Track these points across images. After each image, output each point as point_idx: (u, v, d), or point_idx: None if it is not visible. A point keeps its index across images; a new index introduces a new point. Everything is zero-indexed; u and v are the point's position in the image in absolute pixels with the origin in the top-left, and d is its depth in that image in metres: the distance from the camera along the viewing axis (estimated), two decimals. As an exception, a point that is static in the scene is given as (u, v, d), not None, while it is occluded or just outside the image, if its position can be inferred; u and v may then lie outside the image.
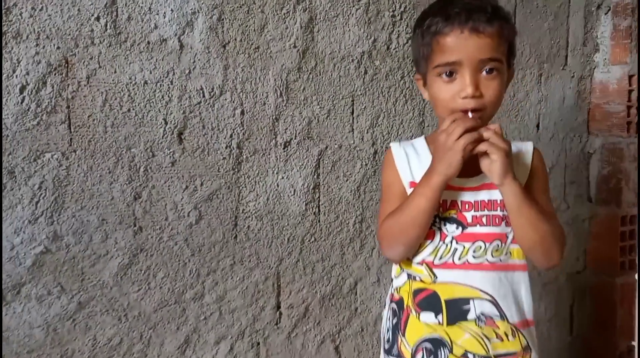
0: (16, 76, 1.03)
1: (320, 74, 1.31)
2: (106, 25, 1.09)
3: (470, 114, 0.83)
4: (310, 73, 1.30)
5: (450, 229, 0.87)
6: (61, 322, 1.11)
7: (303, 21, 1.27)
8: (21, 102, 1.04)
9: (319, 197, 1.34)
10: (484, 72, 0.83)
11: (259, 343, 1.31)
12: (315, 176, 1.33)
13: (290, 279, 1.33)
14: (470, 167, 0.85)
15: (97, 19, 1.08)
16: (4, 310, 1.06)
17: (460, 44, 0.82)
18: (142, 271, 1.17)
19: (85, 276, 1.12)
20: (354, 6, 1.32)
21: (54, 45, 1.05)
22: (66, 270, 1.11)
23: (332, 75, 1.32)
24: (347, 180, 1.37)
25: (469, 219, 0.87)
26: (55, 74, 1.06)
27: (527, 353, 0.87)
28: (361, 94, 1.36)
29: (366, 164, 1.38)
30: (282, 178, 1.29)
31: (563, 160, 1.70)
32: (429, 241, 0.88)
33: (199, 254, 1.22)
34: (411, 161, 0.92)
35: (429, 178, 0.83)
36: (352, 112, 1.36)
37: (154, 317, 1.19)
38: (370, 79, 1.36)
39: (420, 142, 0.95)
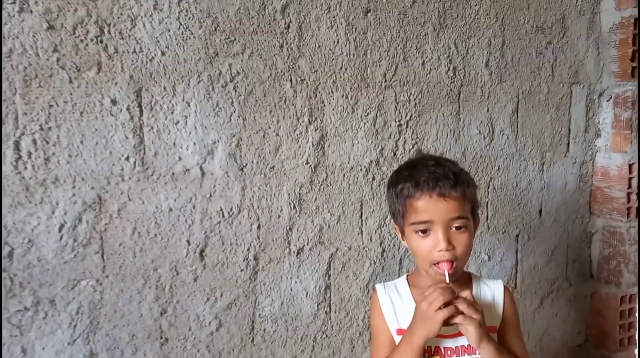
0: (55, 217, 1.14)
1: (330, 185, 1.40)
2: (135, 163, 1.20)
3: (446, 271, 0.93)
4: (321, 184, 1.39)
5: None
6: None
7: (315, 139, 1.36)
8: (60, 240, 1.15)
9: (330, 297, 1.44)
10: (454, 229, 0.95)
11: None
12: (326, 278, 1.43)
13: (303, 374, 1.43)
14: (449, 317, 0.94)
15: (127, 158, 1.19)
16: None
17: (430, 207, 0.95)
18: (169, 378, 1.29)
19: (118, 387, 1.24)
20: (362, 120, 1.41)
21: (89, 185, 1.16)
22: (101, 382, 1.22)
23: (341, 184, 1.41)
24: (356, 278, 1.46)
25: None
26: (89, 211, 1.17)
27: None
28: (369, 199, 1.45)
29: (374, 263, 1.48)
30: (296, 282, 1.39)
31: (565, 240, 1.77)
32: None
33: (220, 358, 1.33)
34: (396, 307, 1.03)
35: (411, 340, 0.93)
36: (361, 216, 1.45)
37: (180, 417, 1.31)
38: (377, 184, 1.45)
39: (403, 284, 1.06)
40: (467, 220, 0.97)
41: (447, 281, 0.94)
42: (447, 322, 0.92)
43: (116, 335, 1.22)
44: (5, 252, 1.11)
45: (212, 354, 1.32)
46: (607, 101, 1.72)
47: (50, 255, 1.15)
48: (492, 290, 1.05)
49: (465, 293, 0.92)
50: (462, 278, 1.05)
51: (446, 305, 0.90)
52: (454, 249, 0.95)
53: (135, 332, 1.24)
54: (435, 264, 0.96)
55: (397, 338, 1.02)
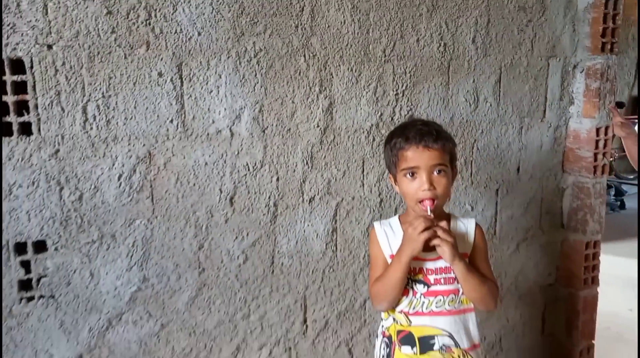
0: (115, 168, 1.41)
1: (337, 145, 1.66)
2: (177, 125, 1.46)
3: (428, 207, 1.20)
4: (329, 144, 1.65)
5: (419, 288, 1.25)
6: (150, 338, 1.53)
7: (324, 106, 1.61)
8: (119, 187, 1.43)
9: (336, 238, 1.72)
10: (435, 173, 1.21)
11: (290, 348, 1.73)
12: (333, 223, 1.71)
13: (314, 301, 1.73)
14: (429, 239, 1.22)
15: (171, 121, 1.45)
16: (111, 331, 1.48)
17: (417, 156, 1.21)
18: (205, 300, 1.58)
19: (165, 306, 1.54)
20: (364, 90, 1.65)
21: (141, 143, 1.43)
22: (152, 302, 1.52)
23: (346, 144, 1.67)
24: (358, 223, 1.74)
25: (432, 281, 1.25)
26: (142, 164, 1.44)
27: None
28: (370, 157, 1.71)
29: (374, 211, 1.75)
30: (308, 225, 1.67)
31: (540, 195, 2.04)
32: (404, 297, 1.26)
33: (246, 286, 1.63)
34: (390, 238, 1.30)
35: (400, 257, 1.21)
36: (363, 171, 1.72)
37: (214, 332, 1.61)
38: (377, 145, 1.71)
39: (395, 222, 1.33)
40: (446, 167, 1.23)
41: (429, 213, 1.21)
42: (428, 247, 1.20)
43: (164, 264, 1.51)
44: (76, 196, 1.39)
45: (240, 282, 1.61)
46: (581, 72, 1.95)
47: (111, 199, 1.42)
48: (465, 225, 1.32)
49: (442, 223, 1.20)
50: (442, 216, 1.31)
51: (428, 229, 1.17)
52: (435, 189, 1.21)
53: (178, 262, 1.53)
54: (420, 202, 1.22)
55: (390, 262, 1.29)
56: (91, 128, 1.37)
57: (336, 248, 1.73)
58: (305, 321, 1.74)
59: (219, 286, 1.59)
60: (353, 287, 1.77)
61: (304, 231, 1.67)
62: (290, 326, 1.71)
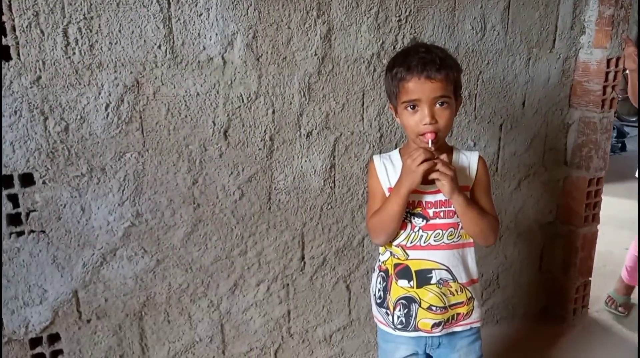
0: (101, 97, 1.33)
1: (336, 75, 1.57)
2: (166, 51, 1.36)
3: (430, 141, 1.13)
4: (328, 75, 1.56)
5: (417, 221, 1.21)
6: (145, 273, 1.51)
7: (322, 32, 1.51)
8: (107, 117, 1.35)
9: (334, 174, 1.67)
10: (438, 105, 1.14)
11: (288, 285, 1.72)
12: (331, 158, 1.65)
13: (312, 237, 1.70)
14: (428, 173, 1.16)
15: (159, 46, 1.35)
16: (105, 266, 1.46)
17: (418, 87, 1.13)
18: (201, 236, 1.55)
19: (161, 242, 1.50)
20: (365, 15, 1.55)
21: (128, 70, 1.34)
22: (147, 238, 1.48)
23: (346, 75, 1.59)
24: (357, 159, 1.69)
25: (431, 214, 1.21)
26: (129, 93, 1.36)
27: (471, 301, 1.25)
28: (370, 89, 1.63)
29: (373, 146, 1.69)
30: (305, 161, 1.62)
31: (544, 130, 1.98)
32: (402, 231, 1.22)
33: (242, 222, 1.59)
34: (389, 171, 1.24)
35: (398, 189, 1.16)
36: (363, 104, 1.64)
37: (211, 268, 1.59)
38: (378, 76, 1.62)
39: (395, 155, 1.27)
40: (449, 99, 1.15)
41: (430, 146, 1.14)
42: (427, 180, 1.14)
43: (157, 200, 1.47)
44: (62, 127, 1.32)
45: (236, 218, 1.58)
46: (594, -1, 1.84)
47: (99, 130, 1.35)
48: (468, 158, 1.26)
49: (442, 156, 1.13)
50: (445, 148, 1.24)
51: (427, 161, 1.11)
52: (437, 123, 1.14)
53: (172, 197, 1.48)
54: (421, 135, 1.16)
55: (388, 195, 1.23)
56: (74, 53, 1.28)
57: (334, 184, 1.68)
58: (303, 258, 1.72)
59: (214, 223, 1.56)
60: (351, 224, 1.74)
61: (302, 167, 1.62)
62: (287, 263, 1.69)
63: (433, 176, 1.12)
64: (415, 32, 1.62)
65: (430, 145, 1.14)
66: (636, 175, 2.18)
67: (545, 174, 2.04)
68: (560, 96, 1.96)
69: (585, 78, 1.91)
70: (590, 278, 2.17)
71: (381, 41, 1.59)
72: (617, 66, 1.88)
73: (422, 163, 1.11)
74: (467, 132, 1.83)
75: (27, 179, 1.33)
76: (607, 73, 1.87)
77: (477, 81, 1.79)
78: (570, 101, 1.98)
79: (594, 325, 2.20)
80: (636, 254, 2.25)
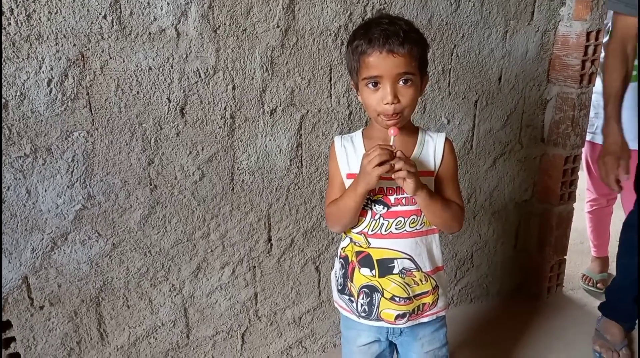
0: (42, 72, 1.24)
1: (301, 49, 1.48)
2: (112, 21, 1.26)
3: (392, 133, 1.06)
4: (292, 48, 1.47)
5: (378, 209, 1.15)
6: (101, 258, 1.44)
7: (285, 2, 1.42)
8: (50, 93, 1.26)
9: (301, 154, 1.60)
10: (401, 83, 1.05)
11: (255, 267, 1.67)
12: (298, 137, 1.58)
13: (279, 219, 1.64)
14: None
15: (104, 17, 1.25)
16: (57, 251, 1.39)
17: (380, 63, 1.04)
18: (160, 219, 1.48)
19: (116, 225, 1.43)
20: (331, -16, 1.45)
21: (71, 42, 1.24)
22: (100, 221, 1.41)
23: (311, 49, 1.50)
24: (325, 138, 1.61)
25: (392, 201, 1.14)
26: (74, 67, 1.26)
27: (436, 290, 1.20)
28: (338, 64, 1.55)
29: (342, 124, 1.62)
30: (270, 140, 1.54)
31: (521, 107, 1.92)
32: (363, 218, 1.16)
33: (204, 204, 1.52)
34: (349, 155, 1.17)
35: (355, 189, 1.09)
36: (330, 80, 1.56)
37: (172, 252, 1.53)
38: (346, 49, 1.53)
39: (358, 137, 1.19)
40: (413, 76, 1.06)
41: (392, 143, 1.06)
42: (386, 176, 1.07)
43: (110, 181, 1.39)
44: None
45: (197, 200, 1.50)
46: (575, -32, 1.76)
47: (42, 108, 1.26)
48: (434, 141, 1.18)
49: (399, 153, 1.05)
50: (409, 129, 1.17)
51: (384, 163, 1.03)
52: (399, 102, 1.05)
53: (127, 179, 1.40)
54: (383, 115, 1.07)
55: (347, 181, 1.17)
56: (9, 24, 1.17)
57: (301, 164, 1.61)
58: (270, 240, 1.66)
59: (174, 205, 1.48)
60: (320, 205, 1.68)
61: (266, 146, 1.54)
62: (253, 245, 1.63)
63: (394, 176, 1.05)
64: (385, 2, 1.53)
65: (391, 142, 1.07)
66: None
67: (522, 152, 1.98)
68: (539, 70, 1.89)
69: (564, 52, 1.84)
70: (565, 257, 2.15)
71: (349, 12, 1.50)
72: (597, 39, 1.80)
73: (378, 165, 1.03)
74: (440, 109, 1.76)
75: (-35, 161, 1.25)
76: (586, 47, 1.79)
77: (452, 55, 1.71)
78: (548, 76, 1.91)
79: (568, 302, 2.19)
80: (591, 226, 2.26)
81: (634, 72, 1.96)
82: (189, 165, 1.46)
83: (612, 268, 2.28)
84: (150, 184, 1.44)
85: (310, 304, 1.80)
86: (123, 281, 1.49)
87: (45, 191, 1.32)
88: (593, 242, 2.34)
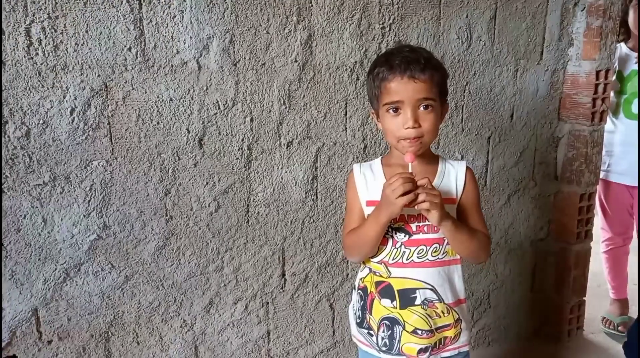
0: (66, 101, 1.26)
1: (317, 83, 1.51)
2: (136, 53, 1.30)
3: (409, 160, 1.05)
4: (309, 82, 1.50)
5: (400, 236, 1.13)
6: (113, 290, 1.41)
7: (303, 38, 1.46)
8: (72, 122, 1.28)
9: (316, 186, 1.60)
10: (422, 108, 1.07)
11: (268, 303, 1.62)
12: (313, 169, 1.58)
13: (293, 253, 1.61)
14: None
15: (129, 49, 1.29)
16: (69, 282, 1.36)
17: (401, 88, 1.06)
18: (174, 251, 1.46)
19: (129, 256, 1.41)
20: (347, 22, 1.50)
21: (95, 73, 1.27)
22: (114, 252, 1.39)
23: (328, 83, 1.53)
24: (340, 171, 1.62)
25: (414, 229, 1.12)
26: (97, 97, 1.29)
27: (458, 323, 1.16)
28: (353, 98, 1.57)
29: (357, 157, 1.62)
30: (286, 172, 1.54)
31: (534, 144, 1.92)
32: (384, 246, 1.14)
33: (219, 236, 1.50)
34: (368, 182, 1.16)
35: (377, 217, 1.07)
36: (346, 114, 1.58)
37: (185, 285, 1.50)
38: (361, 85, 1.56)
39: (377, 164, 1.19)
40: (434, 101, 1.07)
41: (410, 171, 1.06)
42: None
43: (126, 211, 1.38)
44: (22, 131, 1.24)
45: (212, 231, 1.49)
46: (582, 10, 1.81)
47: (64, 136, 1.28)
48: (455, 169, 1.18)
49: (423, 181, 1.04)
50: (430, 158, 1.17)
51: (408, 193, 1.02)
52: (420, 127, 1.06)
53: (143, 209, 1.40)
54: (403, 139, 1.07)
55: (367, 209, 1.16)
56: (37, 54, 1.21)
57: (316, 197, 1.61)
58: (283, 274, 1.63)
59: (188, 236, 1.47)
60: (335, 239, 1.66)
61: (282, 178, 1.54)
62: (267, 280, 1.60)
63: (420, 207, 1.03)
64: (399, 40, 1.58)
65: (409, 169, 1.07)
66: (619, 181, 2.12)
67: (536, 189, 1.97)
68: (549, 108, 1.91)
69: (574, 90, 1.87)
70: (584, 298, 2.09)
71: (364, 49, 1.54)
72: (606, 78, 1.84)
73: (401, 195, 1.02)
74: (454, 145, 1.77)
75: (-16, 188, 1.25)
76: (596, 85, 1.82)
77: (464, 92, 1.74)
78: (559, 114, 1.93)
79: (590, 346, 2.10)
80: (608, 266, 2.21)
81: (634, 111, 1.99)
82: (205, 196, 1.46)
83: (633, 311, 2.22)
84: (166, 215, 1.43)
85: (324, 344, 1.74)
86: (134, 315, 1.45)
87: (62, 220, 1.32)
88: (611, 283, 2.28)
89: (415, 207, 1.04)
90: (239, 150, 1.47)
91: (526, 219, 1.99)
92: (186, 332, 1.53)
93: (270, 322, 1.64)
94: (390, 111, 1.08)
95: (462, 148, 1.79)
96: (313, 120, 1.54)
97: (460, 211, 1.17)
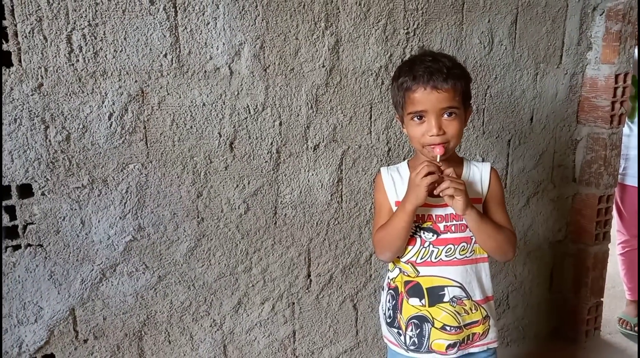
0: (105, 106, 1.30)
1: (344, 87, 1.55)
2: (172, 59, 1.33)
3: (438, 156, 1.09)
4: (335, 87, 1.54)
5: (428, 236, 1.16)
6: (146, 290, 1.45)
7: (330, 44, 1.49)
8: (110, 127, 1.31)
9: (341, 189, 1.63)
10: (445, 116, 1.10)
11: (294, 303, 1.65)
12: (339, 172, 1.61)
13: (318, 254, 1.64)
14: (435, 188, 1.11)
15: (165, 55, 1.33)
16: (105, 283, 1.39)
17: (424, 98, 1.09)
18: (205, 252, 1.49)
19: (163, 257, 1.45)
20: (373, 27, 1.53)
21: (132, 79, 1.31)
22: (148, 253, 1.43)
23: (354, 87, 1.56)
24: (365, 174, 1.65)
25: (442, 228, 1.16)
26: (134, 102, 1.32)
27: (487, 320, 1.20)
28: (378, 102, 1.61)
29: (381, 160, 1.65)
30: (312, 174, 1.57)
31: (553, 146, 1.95)
32: (411, 246, 1.17)
33: (247, 237, 1.53)
34: (396, 184, 1.20)
35: (404, 206, 1.11)
36: (370, 117, 1.61)
37: (215, 285, 1.53)
38: (386, 89, 1.60)
39: (404, 167, 1.23)
40: (457, 109, 1.10)
41: (438, 160, 1.10)
42: (435, 194, 1.09)
43: (160, 213, 1.41)
44: (63, 136, 1.28)
45: (241, 233, 1.52)
46: (600, 14, 1.84)
47: (102, 140, 1.31)
48: (480, 169, 1.21)
49: (448, 171, 1.08)
50: (455, 160, 1.20)
51: (432, 174, 1.06)
52: (444, 134, 1.09)
53: (176, 211, 1.43)
54: (428, 146, 1.11)
55: (395, 209, 1.18)
56: (77, 60, 1.25)
57: (342, 199, 1.64)
58: (309, 275, 1.66)
59: (219, 237, 1.50)
60: (359, 240, 1.69)
61: (308, 181, 1.58)
62: (293, 280, 1.63)
63: (445, 193, 1.07)
64: (423, 45, 1.61)
65: (438, 159, 1.10)
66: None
67: (554, 191, 2.00)
68: (568, 111, 1.94)
69: (593, 94, 1.89)
70: (602, 299, 2.11)
71: (389, 54, 1.58)
72: (625, 81, 1.86)
73: (426, 175, 1.06)
74: (475, 148, 1.80)
75: (26, 191, 1.29)
76: (615, 89, 1.85)
77: (485, 95, 1.77)
78: (578, 117, 1.95)
79: (607, 347, 2.12)
80: (624, 268, 2.23)
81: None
82: (235, 198, 1.49)
83: (650, 312, 2.24)
84: (198, 217, 1.46)
85: (348, 344, 1.77)
86: (166, 315, 1.49)
87: (99, 221, 1.35)
88: (627, 285, 2.30)
89: (440, 194, 1.07)
90: (268, 153, 1.50)
91: (545, 221, 2.01)
92: (215, 332, 1.56)
93: (296, 322, 1.67)
94: (415, 119, 1.12)
95: (483, 150, 1.81)
96: (339, 124, 1.57)
97: (486, 207, 1.20)
